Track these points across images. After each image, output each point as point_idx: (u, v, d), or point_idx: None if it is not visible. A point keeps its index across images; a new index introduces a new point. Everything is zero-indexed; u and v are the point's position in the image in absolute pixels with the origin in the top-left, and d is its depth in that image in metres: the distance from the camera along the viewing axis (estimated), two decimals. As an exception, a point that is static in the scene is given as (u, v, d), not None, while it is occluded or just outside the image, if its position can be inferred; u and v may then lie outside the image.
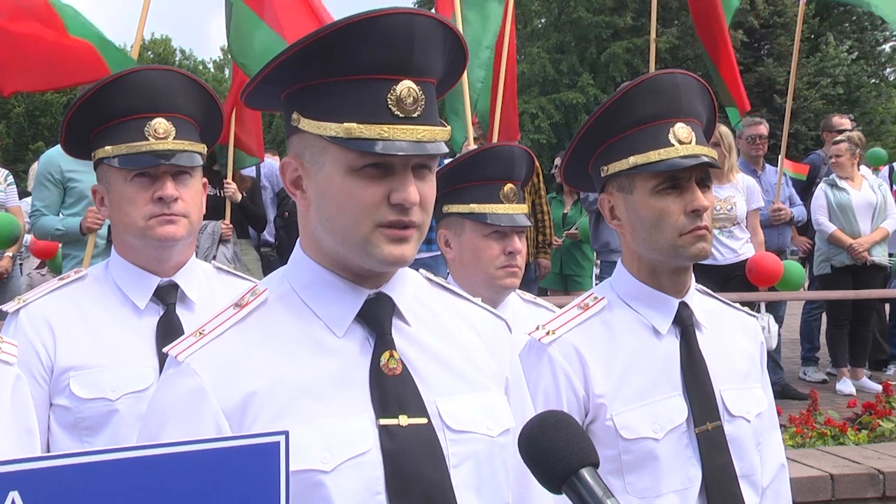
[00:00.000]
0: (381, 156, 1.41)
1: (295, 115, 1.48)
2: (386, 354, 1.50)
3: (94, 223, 4.88)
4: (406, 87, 1.43)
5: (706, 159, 1.95)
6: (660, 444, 1.94)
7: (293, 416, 1.42)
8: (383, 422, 1.45)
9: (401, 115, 1.42)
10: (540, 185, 6.96)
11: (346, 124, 1.41)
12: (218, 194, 6.14)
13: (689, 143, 1.95)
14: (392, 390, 1.47)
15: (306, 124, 1.46)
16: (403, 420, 1.46)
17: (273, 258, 6.90)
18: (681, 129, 1.95)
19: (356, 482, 1.41)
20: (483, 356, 1.62)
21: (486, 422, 1.55)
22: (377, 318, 1.52)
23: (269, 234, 7.21)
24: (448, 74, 1.54)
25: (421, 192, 1.45)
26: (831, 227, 7.44)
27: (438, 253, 5.96)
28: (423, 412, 1.48)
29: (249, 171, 6.74)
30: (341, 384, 1.47)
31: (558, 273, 8.05)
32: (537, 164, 6.95)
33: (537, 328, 2.04)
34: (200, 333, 1.48)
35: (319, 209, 1.48)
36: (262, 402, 1.42)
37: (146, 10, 4.94)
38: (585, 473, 1.26)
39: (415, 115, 1.43)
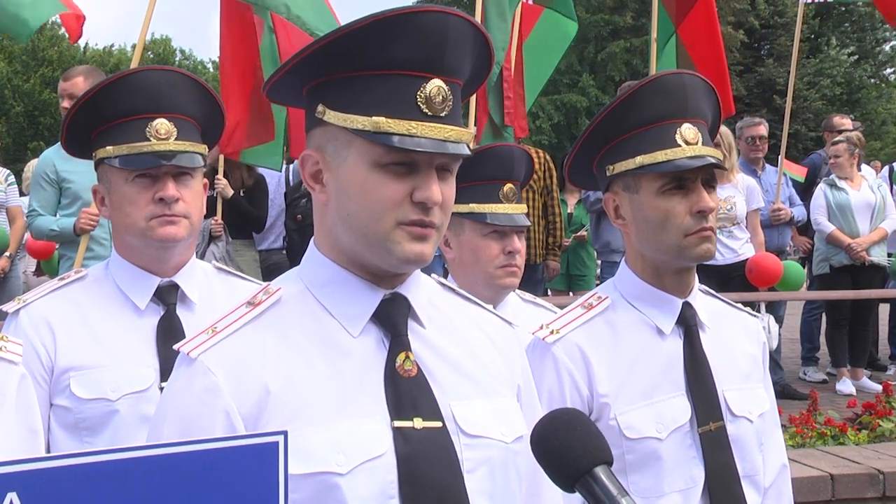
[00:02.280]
0: (407, 152, 1.40)
1: (320, 108, 1.46)
2: (402, 355, 1.48)
3: (87, 224, 4.86)
4: (436, 85, 1.42)
5: (712, 160, 1.95)
6: (663, 443, 1.94)
7: (308, 417, 1.40)
8: (398, 424, 1.43)
9: (429, 114, 1.41)
10: (553, 186, 6.91)
11: (374, 118, 1.40)
12: (212, 194, 6.10)
13: (696, 143, 1.95)
14: (407, 392, 1.46)
15: (332, 116, 1.44)
16: (418, 423, 1.44)
17: (281, 264, 6.78)
18: (688, 130, 1.96)
19: (371, 486, 1.40)
20: (496, 362, 1.60)
21: (500, 427, 1.53)
22: (393, 318, 1.50)
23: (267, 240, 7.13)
24: (473, 78, 1.53)
25: (443, 193, 1.44)
26: (830, 227, 7.45)
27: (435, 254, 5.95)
28: (437, 415, 1.46)
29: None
30: (356, 385, 1.45)
31: (564, 273, 8.04)
32: (551, 164, 6.94)
33: (541, 327, 2.04)
34: (213, 331, 1.46)
35: (340, 204, 1.46)
36: (276, 401, 1.41)
37: (150, 14, 4.96)
38: (600, 472, 1.25)
39: (442, 114, 1.42)
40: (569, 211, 8.16)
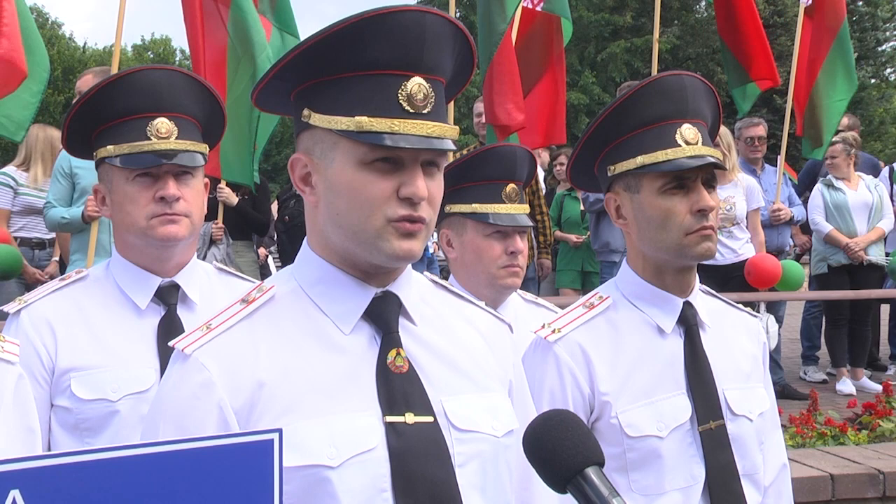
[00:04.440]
0: (391, 149, 1.43)
1: (306, 112, 1.49)
2: (393, 352, 1.50)
3: (94, 211, 4.97)
4: (416, 83, 1.44)
5: (712, 160, 1.97)
6: (664, 442, 1.96)
7: (301, 411, 1.42)
8: (390, 419, 1.45)
9: (411, 111, 1.43)
10: (538, 186, 6.92)
11: (357, 118, 1.42)
12: (216, 197, 6.13)
13: (696, 143, 1.97)
14: (398, 388, 1.48)
15: (317, 119, 1.47)
16: (410, 418, 1.46)
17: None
18: (687, 130, 1.97)
19: (362, 479, 1.42)
20: (487, 358, 1.62)
21: (491, 422, 1.55)
22: (384, 316, 1.52)
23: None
24: (457, 75, 1.55)
25: (429, 188, 1.46)
26: (828, 227, 7.46)
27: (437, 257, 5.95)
28: (429, 410, 1.49)
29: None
30: (348, 381, 1.47)
31: (579, 271, 8.04)
32: (537, 163, 6.91)
33: (543, 326, 2.05)
34: (208, 328, 1.49)
35: (329, 204, 1.48)
36: (270, 396, 1.43)
37: (122, 20, 5.07)
38: (591, 473, 1.26)
39: (425, 111, 1.45)
40: (581, 208, 8.12)
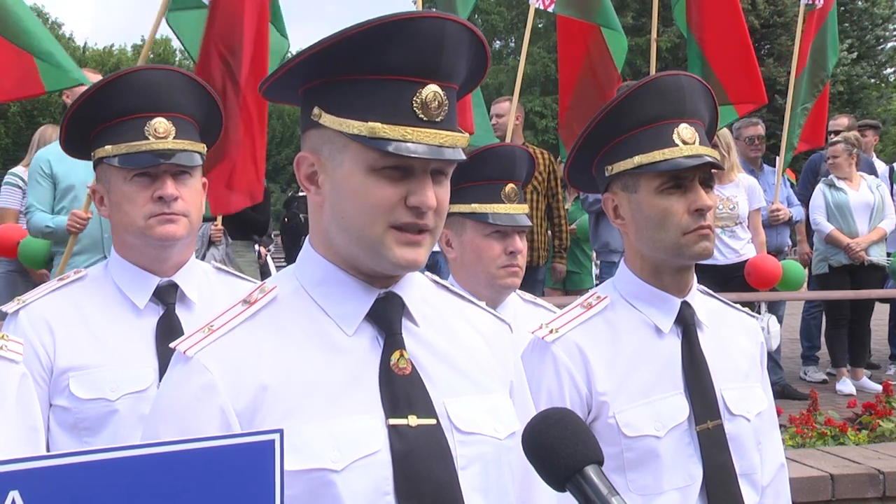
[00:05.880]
0: (402, 157, 1.41)
1: (316, 111, 1.47)
2: (396, 354, 1.49)
3: (72, 226, 4.87)
4: (432, 91, 1.43)
5: (710, 159, 1.97)
6: (661, 441, 1.96)
7: (303, 414, 1.42)
8: (393, 422, 1.45)
9: (424, 119, 1.42)
10: (557, 188, 6.89)
11: (370, 123, 1.41)
12: None
13: (693, 143, 1.97)
14: (402, 390, 1.47)
15: (328, 120, 1.45)
16: (413, 420, 1.46)
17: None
18: (685, 130, 1.98)
19: (366, 482, 1.41)
20: (488, 359, 1.62)
21: (494, 424, 1.55)
22: (387, 317, 1.51)
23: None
24: (468, 80, 1.54)
25: (437, 196, 1.45)
26: (829, 227, 7.47)
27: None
28: (431, 413, 1.48)
29: None
30: (351, 383, 1.47)
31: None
32: (555, 166, 6.91)
33: (541, 326, 2.05)
34: (210, 329, 1.47)
35: (334, 206, 1.47)
36: (272, 398, 1.42)
37: (160, 17, 4.99)
38: (590, 471, 1.26)
39: (438, 119, 1.44)
40: (566, 206, 8.10)
